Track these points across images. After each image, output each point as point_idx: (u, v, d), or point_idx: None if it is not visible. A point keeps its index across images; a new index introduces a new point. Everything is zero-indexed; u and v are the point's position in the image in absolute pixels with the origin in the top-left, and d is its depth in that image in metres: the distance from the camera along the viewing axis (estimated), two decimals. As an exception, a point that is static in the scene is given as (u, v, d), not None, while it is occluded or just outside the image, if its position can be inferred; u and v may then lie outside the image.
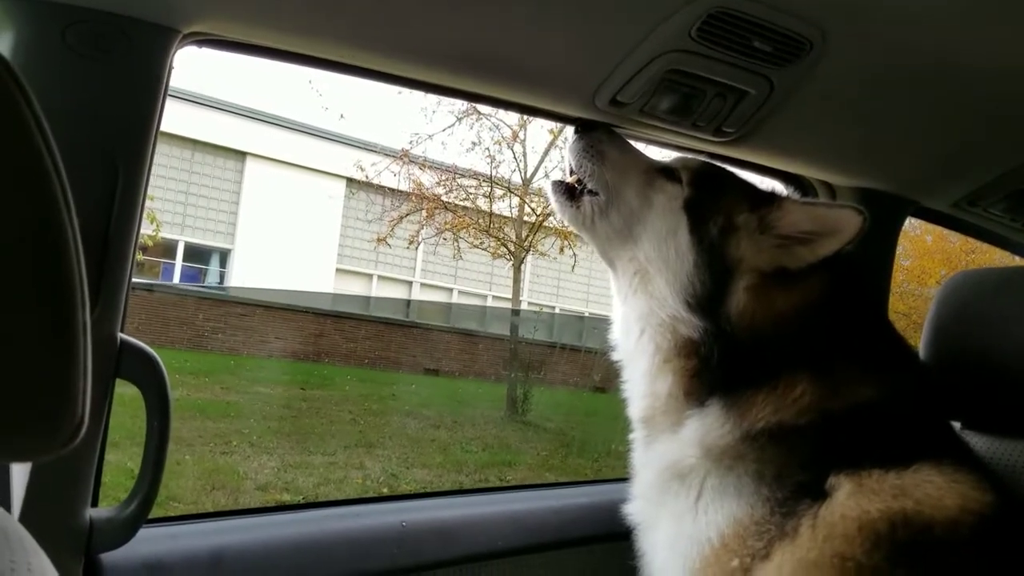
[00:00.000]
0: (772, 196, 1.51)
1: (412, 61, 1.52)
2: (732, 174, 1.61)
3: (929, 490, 1.20)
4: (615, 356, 1.60)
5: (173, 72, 1.36)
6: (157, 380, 1.32)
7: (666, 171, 1.58)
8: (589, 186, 1.59)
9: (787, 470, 1.28)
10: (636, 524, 1.50)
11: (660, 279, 1.47)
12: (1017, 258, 2.66)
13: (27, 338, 0.55)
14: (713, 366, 1.38)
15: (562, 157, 7.88)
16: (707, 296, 1.41)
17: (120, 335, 1.33)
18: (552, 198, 1.66)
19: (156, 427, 1.32)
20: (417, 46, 1.46)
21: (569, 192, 1.62)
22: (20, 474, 0.95)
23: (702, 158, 1.68)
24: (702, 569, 1.28)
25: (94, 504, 1.37)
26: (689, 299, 1.42)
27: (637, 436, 1.53)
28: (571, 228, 1.70)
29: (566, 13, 1.38)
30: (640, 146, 1.72)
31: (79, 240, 0.58)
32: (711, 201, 1.49)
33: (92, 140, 1.26)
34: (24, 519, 0.83)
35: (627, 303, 1.54)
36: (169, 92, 1.37)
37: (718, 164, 1.67)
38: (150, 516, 1.35)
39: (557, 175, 1.74)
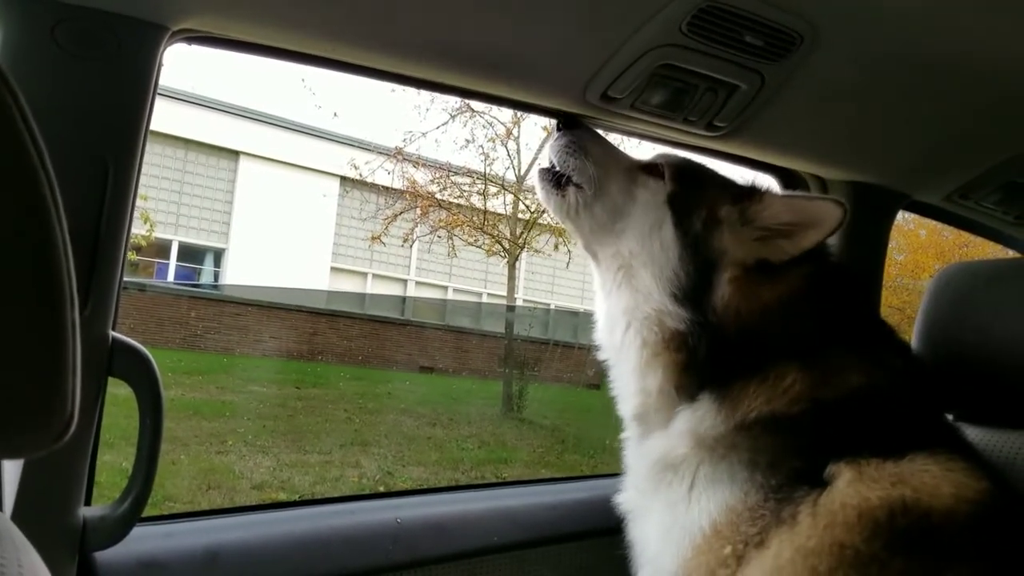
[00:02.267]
0: (753, 189, 1.51)
1: (404, 57, 1.52)
2: (712, 169, 1.61)
3: (925, 478, 1.21)
4: (601, 355, 1.59)
5: (164, 70, 1.35)
6: (149, 378, 1.32)
7: (648, 167, 1.59)
8: (574, 179, 1.59)
9: (781, 458, 1.28)
10: (627, 512, 1.50)
11: (645, 273, 1.47)
12: (1010, 251, 2.67)
13: (14, 335, 0.55)
14: (702, 359, 1.38)
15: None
16: (692, 287, 1.42)
17: (112, 334, 1.32)
18: (538, 184, 1.66)
19: (149, 425, 1.31)
20: (409, 41, 1.46)
21: (556, 180, 1.61)
22: (12, 472, 0.95)
23: (683, 154, 1.68)
24: (694, 557, 1.28)
25: (87, 503, 1.36)
26: (675, 291, 1.43)
27: (630, 434, 1.53)
28: (556, 217, 1.69)
29: (557, 8, 1.38)
30: (632, 141, 1.72)
31: (67, 239, 0.58)
32: (694, 195, 1.50)
33: (81, 138, 1.25)
34: (16, 518, 0.83)
35: (611, 298, 1.54)
36: (161, 91, 1.36)
37: (697, 160, 1.67)
38: (144, 514, 1.34)
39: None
